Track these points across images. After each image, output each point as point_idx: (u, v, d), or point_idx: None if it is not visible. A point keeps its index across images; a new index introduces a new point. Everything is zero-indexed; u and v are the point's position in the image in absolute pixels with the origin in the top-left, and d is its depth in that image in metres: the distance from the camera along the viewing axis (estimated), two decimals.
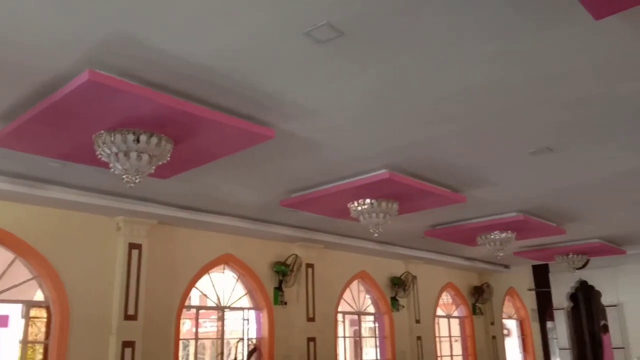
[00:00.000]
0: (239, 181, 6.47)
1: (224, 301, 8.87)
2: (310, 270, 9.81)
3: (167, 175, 5.62)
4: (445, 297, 13.91)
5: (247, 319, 9.19)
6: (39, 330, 7.12)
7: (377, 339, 11.59)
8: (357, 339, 12.10)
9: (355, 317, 11.51)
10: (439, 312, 13.34)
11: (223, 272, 9.00)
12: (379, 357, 11.38)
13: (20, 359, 6.73)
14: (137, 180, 4.50)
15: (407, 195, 6.65)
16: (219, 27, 3.27)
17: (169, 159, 4.66)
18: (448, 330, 13.70)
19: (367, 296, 11.66)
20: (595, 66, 3.90)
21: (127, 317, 7.17)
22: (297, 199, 6.96)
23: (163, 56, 3.56)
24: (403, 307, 11.73)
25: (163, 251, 7.88)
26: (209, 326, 12.43)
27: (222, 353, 8.74)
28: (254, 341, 9.12)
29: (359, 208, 6.82)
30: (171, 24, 3.23)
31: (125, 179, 4.52)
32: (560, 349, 14.25)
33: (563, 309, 14.28)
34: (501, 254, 9.41)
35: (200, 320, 10.05)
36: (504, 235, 8.78)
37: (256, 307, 9.23)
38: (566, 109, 4.62)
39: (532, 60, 3.79)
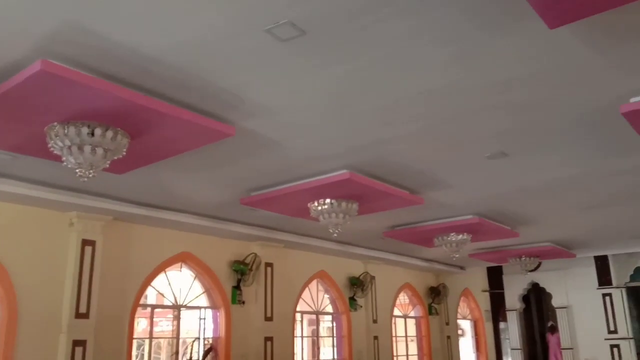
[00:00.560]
0: (198, 178, 6.39)
1: (180, 300, 8.74)
2: (269, 269, 9.78)
3: (123, 171, 5.49)
4: (403, 298, 14.10)
5: (204, 318, 9.08)
6: None
7: (335, 338, 11.65)
8: (315, 338, 12.13)
9: (314, 316, 11.53)
10: (396, 312, 13.50)
11: (180, 271, 8.86)
12: (335, 357, 11.44)
13: None
14: (90, 175, 4.38)
15: (367, 196, 6.71)
16: (176, 19, 3.22)
17: (124, 153, 4.55)
18: (404, 330, 13.89)
19: (326, 296, 11.71)
20: (547, 74, 4.02)
21: (79, 316, 6.97)
22: (257, 198, 6.92)
23: (119, 48, 3.49)
24: (361, 307, 11.82)
25: (118, 248, 7.70)
26: (165, 325, 12.22)
27: (177, 352, 8.61)
28: (210, 340, 9.02)
29: (319, 208, 6.84)
30: (126, 15, 3.16)
31: (79, 173, 4.39)
32: (511, 349, 14.66)
33: (515, 310, 14.68)
34: (457, 256, 9.61)
35: (157, 319, 9.88)
36: (459, 237, 8.96)
37: (213, 306, 9.13)
38: (519, 114, 4.75)
39: (487, 66, 3.88)
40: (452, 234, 9.00)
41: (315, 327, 12.16)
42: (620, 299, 13.21)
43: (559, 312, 14.05)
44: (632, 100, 4.38)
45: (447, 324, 14.81)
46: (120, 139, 4.38)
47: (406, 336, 13.91)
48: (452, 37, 3.48)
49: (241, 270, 9.21)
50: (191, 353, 8.68)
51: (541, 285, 14.56)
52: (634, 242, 11.82)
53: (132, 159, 5.03)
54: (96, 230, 7.29)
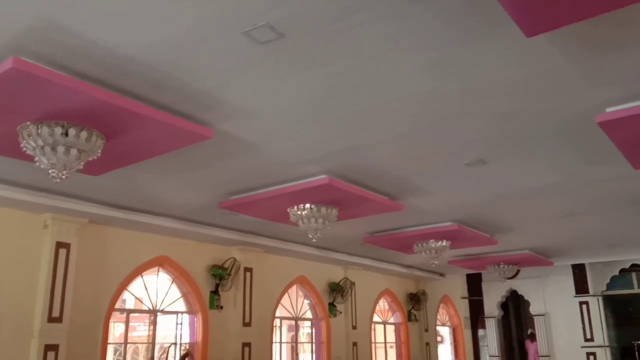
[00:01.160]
0: (175, 181, 6.31)
1: (157, 304, 8.62)
2: (248, 274, 9.70)
3: (99, 172, 5.40)
4: (382, 304, 14.10)
5: (181, 323, 8.97)
6: None
7: (314, 344, 11.58)
8: (294, 344, 12.05)
9: (293, 322, 11.46)
10: (376, 318, 13.50)
11: (157, 275, 8.74)
12: None
13: None
14: (63, 176, 4.29)
15: (347, 201, 6.69)
16: (151, 18, 3.17)
17: (99, 154, 4.47)
18: (384, 336, 13.88)
19: (306, 301, 11.65)
20: (524, 81, 4.04)
21: (52, 320, 6.83)
22: (236, 202, 6.86)
23: (94, 46, 3.42)
24: (340, 312, 11.79)
25: (93, 251, 7.57)
26: (143, 330, 12.04)
27: (152, 358, 8.48)
28: (187, 346, 8.90)
29: (299, 213, 6.80)
30: (102, 13, 3.11)
31: (52, 174, 4.30)
32: (490, 356, 14.76)
33: (494, 317, 14.79)
34: (436, 262, 9.64)
35: (135, 324, 9.72)
36: (439, 243, 9.00)
37: (190, 311, 9.02)
38: (496, 122, 4.78)
39: (464, 73, 3.89)
40: (431, 241, 9.03)
41: (294, 333, 12.10)
42: (596, 307, 13.39)
43: (536, 320, 14.18)
44: (608, 110, 4.44)
45: (426, 330, 14.85)
46: (95, 140, 4.30)
47: (385, 342, 13.90)
48: (430, 44, 3.49)
49: (220, 275, 9.13)
50: (167, 359, 8.56)
51: (519, 292, 14.69)
52: (611, 251, 11.99)
53: (108, 161, 4.95)
54: (71, 233, 7.16)
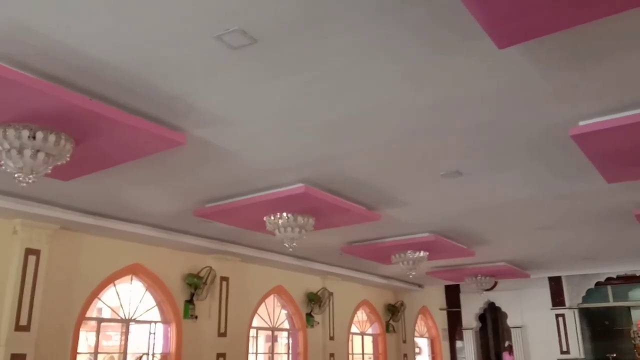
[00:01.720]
0: (149, 187, 6.21)
1: (130, 314, 8.45)
2: (224, 283, 9.57)
3: (69, 177, 5.28)
4: (360, 314, 14.03)
5: (154, 333, 8.79)
6: None
7: (290, 355, 11.46)
8: (271, 355, 11.90)
9: (270, 332, 11.33)
10: (354, 329, 13.41)
11: (131, 283, 8.58)
12: None
13: None
14: (30, 180, 4.18)
15: (323, 211, 6.65)
16: (121, 21, 3.11)
17: (69, 159, 4.37)
18: (361, 347, 13.79)
19: (283, 311, 11.54)
20: (497, 93, 4.05)
21: (19, 328, 6.63)
22: (212, 209, 6.77)
23: (62, 48, 3.34)
24: (318, 323, 11.69)
25: (64, 258, 7.39)
26: (116, 339, 11.79)
27: None
28: (159, 356, 8.73)
29: (275, 221, 6.74)
30: (70, 14, 3.04)
31: (18, 178, 4.19)
32: None
33: (472, 328, 14.81)
34: (413, 273, 9.62)
35: (110, 333, 9.50)
36: (416, 254, 8.98)
37: (164, 321, 8.86)
38: (471, 133, 4.78)
39: (437, 84, 3.89)
40: (409, 252, 9.01)
41: (271, 343, 11.95)
42: (573, 319, 13.50)
43: (514, 332, 14.23)
44: (581, 123, 4.47)
45: (404, 341, 14.79)
46: (64, 144, 4.21)
47: (363, 354, 13.81)
48: (402, 54, 3.47)
49: (195, 283, 8.99)
50: None
51: (497, 304, 14.75)
52: (587, 264, 12.10)
53: (78, 166, 4.85)
54: (41, 239, 6.98)
